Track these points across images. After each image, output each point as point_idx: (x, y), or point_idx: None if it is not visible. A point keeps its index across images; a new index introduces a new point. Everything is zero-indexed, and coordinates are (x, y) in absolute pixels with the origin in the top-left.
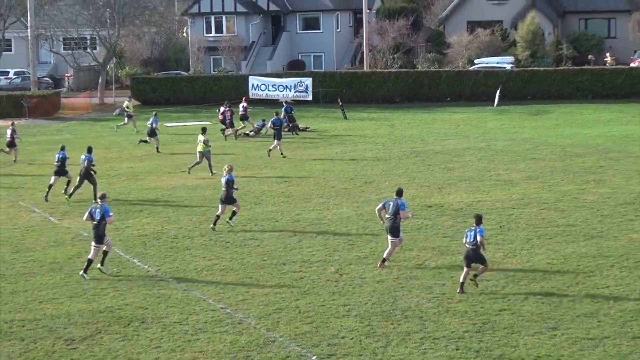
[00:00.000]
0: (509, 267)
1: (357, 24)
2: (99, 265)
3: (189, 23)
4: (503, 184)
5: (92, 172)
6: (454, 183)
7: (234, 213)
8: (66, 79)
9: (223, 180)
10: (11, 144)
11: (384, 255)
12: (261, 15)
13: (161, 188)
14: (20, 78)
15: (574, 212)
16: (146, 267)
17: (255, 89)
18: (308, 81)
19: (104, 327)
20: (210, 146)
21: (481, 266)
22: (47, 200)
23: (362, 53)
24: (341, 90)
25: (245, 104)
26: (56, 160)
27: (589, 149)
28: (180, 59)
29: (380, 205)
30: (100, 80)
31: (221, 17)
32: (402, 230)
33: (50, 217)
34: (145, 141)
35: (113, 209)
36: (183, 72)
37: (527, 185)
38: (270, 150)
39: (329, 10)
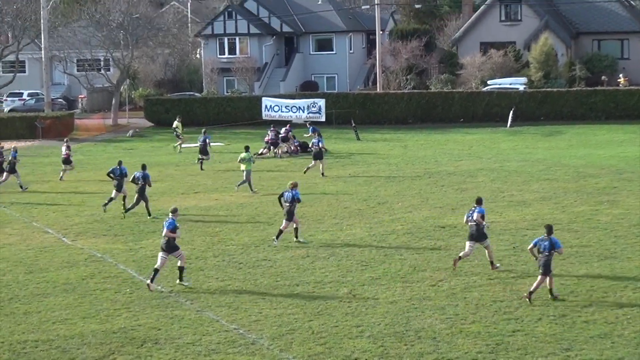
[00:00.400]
0: (522, 288)
1: (370, 45)
2: (177, 281)
3: (202, 44)
4: (516, 205)
5: (148, 187)
6: (467, 204)
7: (296, 230)
8: (80, 100)
9: (288, 195)
10: (66, 161)
11: (490, 259)
12: (274, 37)
13: None
14: (34, 99)
15: (588, 233)
16: (159, 287)
17: (268, 110)
18: (321, 102)
19: (117, 348)
20: (252, 162)
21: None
22: (104, 212)
23: (375, 74)
24: (354, 111)
25: (286, 128)
26: (116, 175)
27: (603, 169)
28: (194, 80)
29: (465, 216)
30: (113, 102)
31: (234, 39)
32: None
33: (64, 238)
34: (202, 160)
35: (127, 230)
36: (196, 94)
37: (540, 206)
38: (307, 168)
39: (342, 31)
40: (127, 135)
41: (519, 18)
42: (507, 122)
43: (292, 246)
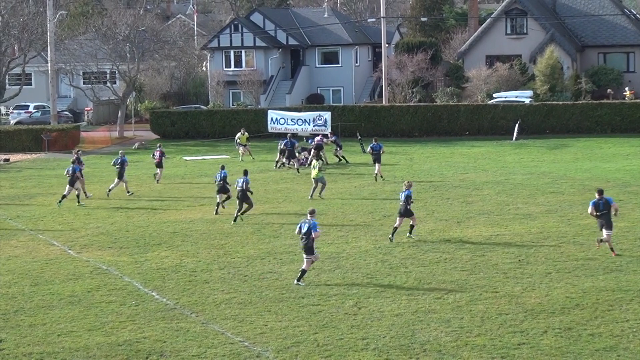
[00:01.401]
0: (527, 301)
1: (376, 58)
2: (295, 282)
3: (208, 57)
4: (522, 218)
5: (249, 194)
6: (473, 217)
7: (412, 227)
8: (86, 112)
9: (402, 195)
10: (159, 164)
11: (609, 246)
12: (280, 50)
13: (180, 221)
14: (40, 112)
15: (593, 246)
16: (164, 300)
17: (274, 123)
18: (327, 115)
19: None
20: (323, 171)
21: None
22: (216, 214)
23: (381, 87)
24: (360, 124)
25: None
26: (218, 179)
27: (608, 182)
28: (200, 93)
29: (590, 207)
30: (119, 114)
31: (240, 52)
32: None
33: (69, 250)
34: (283, 164)
35: (132, 243)
36: (202, 106)
37: (546, 219)
38: (376, 175)
39: (348, 44)
40: (133, 147)
41: (525, 31)
42: (512, 135)
43: (298, 259)
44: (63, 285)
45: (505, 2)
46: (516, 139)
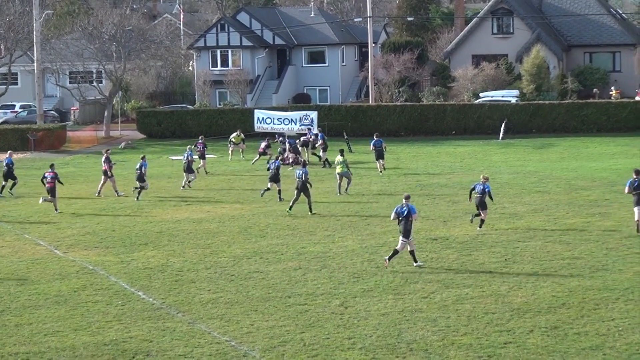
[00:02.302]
0: (514, 300)
1: (363, 57)
2: (415, 264)
3: (194, 57)
4: (508, 217)
5: (309, 185)
6: (459, 216)
7: (482, 221)
8: (72, 112)
9: (478, 188)
10: (202, 156)
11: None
12: (267, 49)
13: (166, 221)
14: (27, 111)
15: (579, 245)
16: (151, 299)
17: (260, 123)
18: (313, 114)
19: None
20: (346, 166)
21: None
22: (261, 196)
23: (368, 86)
24: (346, 124)
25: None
26: (271, 167)
27: (594, 182)
28: (186, 93)
29: (627, 187)
30: (106, 114)
31: (227, 51)
32: None
33: (56, 250)
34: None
35: (118, 242)
36: (189, 106)
37: (532, 218)
38: (382, 169)
39: (335, 44)
40: (119, 147)
41: (511, 31)
42: (499, 134)
43: (284, 258)
44: (49, 285)
45: (491, 1)
46: (502, 138)
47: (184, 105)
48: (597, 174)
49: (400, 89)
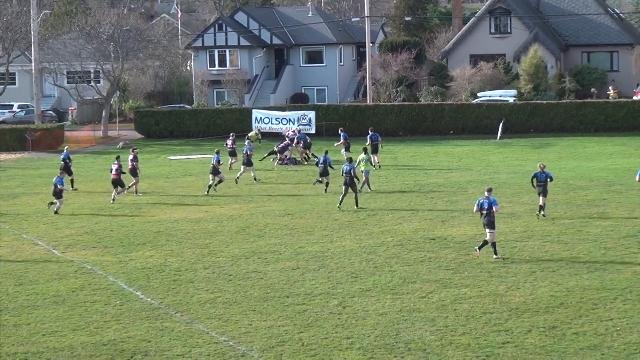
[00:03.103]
0: (512, 300)
1: (360, 57)
2: (495, 257)
3: (192, 56)
4: (506, 217)
5: (356, 180)
6: (457, 216)
7: (541, 207)
8: (70, 112)
9: (541, 176)
10: (232, 153)
11: None
12: (264, 49)
13: (164, 221)
14: (24, 111)
15: (577, 245)
16: (149, 299)
17: (258, 122)
18: (311, 114)
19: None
20: (370, 164)
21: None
22: (314, 184)
23: (365, 86)
24: (344, 124)
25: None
26: (320, 162)
27: (592, 181)
28: (184, 92)
29: None
30: (103, 114)
31: (225, 51)
32: None
33: (54, 250)
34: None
35: (116, 242)
36: (186, 106)
37: (530, 218)
38: (377, 163)
39: (332, 43)
40: (117, 147)
41: (509, 30)
42: (497, 134)
43: (283, 258)
44: (47, 284)
45: (489, 1)
46: (500, 138)
47: (182, 105)
48: (594, 174)
49: (398, 89)
